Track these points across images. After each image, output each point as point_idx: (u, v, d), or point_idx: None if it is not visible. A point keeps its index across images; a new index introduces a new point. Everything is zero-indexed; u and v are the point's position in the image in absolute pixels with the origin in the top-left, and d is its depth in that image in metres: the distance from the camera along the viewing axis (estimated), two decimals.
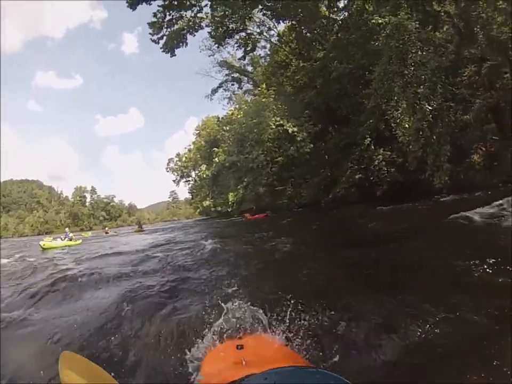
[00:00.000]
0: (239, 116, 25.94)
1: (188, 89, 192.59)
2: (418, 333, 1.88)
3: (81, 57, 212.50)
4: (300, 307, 2.11)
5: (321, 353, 1.76)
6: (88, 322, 2.72)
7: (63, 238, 14.73)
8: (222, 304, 2.16)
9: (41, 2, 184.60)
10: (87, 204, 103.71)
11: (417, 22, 11.01)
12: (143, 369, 1.99)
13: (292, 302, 2.08)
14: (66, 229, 17.28)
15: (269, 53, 26.72)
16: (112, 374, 1.13)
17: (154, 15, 18.93)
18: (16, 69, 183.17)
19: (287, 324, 1.90)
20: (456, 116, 11.12)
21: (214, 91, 30.61)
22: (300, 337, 1.77)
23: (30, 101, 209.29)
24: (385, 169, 13.54)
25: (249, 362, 1.04)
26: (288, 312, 2.01)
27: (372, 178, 14.03)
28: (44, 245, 13.00)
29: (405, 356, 1.77)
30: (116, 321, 2.69)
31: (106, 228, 39.04)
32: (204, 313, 2.43)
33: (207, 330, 1.92)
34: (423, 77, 10.98)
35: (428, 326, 1.92)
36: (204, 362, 1.25)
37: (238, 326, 1.84)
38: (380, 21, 12.70)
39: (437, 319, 1.99)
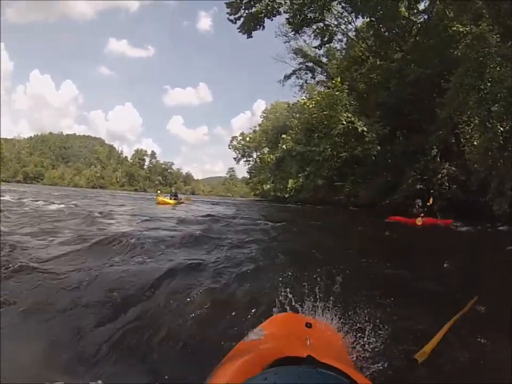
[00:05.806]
0: (310, 106, 25.34)
1: (258, 72, 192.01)
2: None
3: (154, 30, 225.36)
4: None
5: None
6: None
7: None
8: None
9: None
10: (145, 167, 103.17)
11: (498, 35, 10.24)
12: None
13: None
14: None
15: (345, 47, 26.10)
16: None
17: None
18: (88, 35, 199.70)
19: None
20: None
21: (287, 77, 30.26)
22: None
23: (102, 66, 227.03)
24: (447, 184, 13.07)
25: (313, 345, 0.98)
26: None
27: (432, 191, 13.74)
28: None
29: None
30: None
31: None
32: None
33: None
34: (499, 94, 10.33)
35: None
36: (266, 321, 1.22)
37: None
38: (461, 29, 11.93)
39: None
